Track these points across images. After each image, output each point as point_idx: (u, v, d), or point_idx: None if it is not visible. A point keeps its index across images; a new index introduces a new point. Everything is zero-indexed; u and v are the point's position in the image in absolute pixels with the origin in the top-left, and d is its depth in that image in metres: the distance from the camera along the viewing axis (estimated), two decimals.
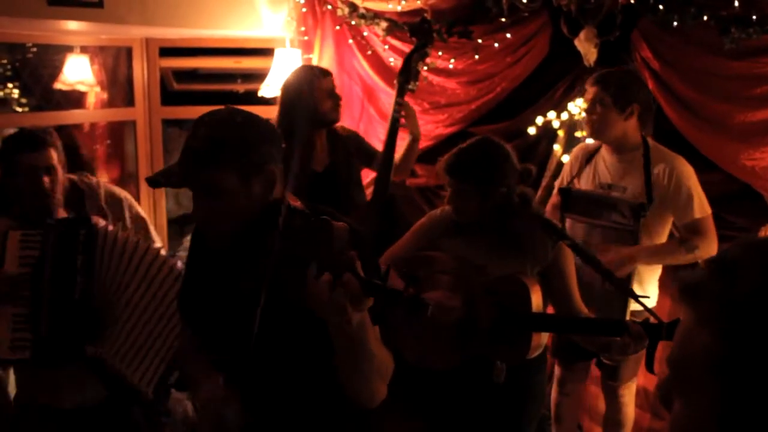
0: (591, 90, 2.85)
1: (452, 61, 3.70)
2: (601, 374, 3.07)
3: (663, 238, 2.85)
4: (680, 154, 3.07)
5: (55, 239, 2.35)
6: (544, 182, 3.57)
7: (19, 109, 4.73)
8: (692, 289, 0.71)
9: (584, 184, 2.95)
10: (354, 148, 3.25)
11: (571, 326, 2.37)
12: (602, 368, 3.03)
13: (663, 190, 2.74)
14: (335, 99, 3.15)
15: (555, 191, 3.11)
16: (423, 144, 3.69)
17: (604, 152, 2.93)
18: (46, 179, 2.39)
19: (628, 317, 2.65)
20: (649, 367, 2.12)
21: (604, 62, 3.31)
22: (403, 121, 3.13)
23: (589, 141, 3.09)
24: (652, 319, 2.15)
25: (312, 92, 3.07)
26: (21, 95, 4.73)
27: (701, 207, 2.75)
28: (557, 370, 3.15)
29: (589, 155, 2.98)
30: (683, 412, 0.71)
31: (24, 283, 2.33)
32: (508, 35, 3.54)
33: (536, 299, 2.26)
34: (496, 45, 3.58)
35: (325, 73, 3.19)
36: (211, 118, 1.57)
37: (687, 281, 0.73)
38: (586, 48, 3.36)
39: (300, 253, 1.36)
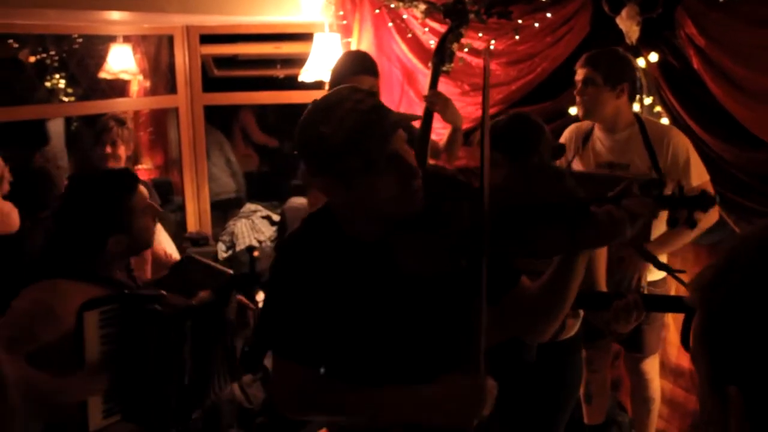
0: (581, 71, 2.93)
1: (492, 42, 3.71)
2: (623, 350, 3.14)
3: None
4: (726, 132, 3.08)
5: (157, 330, 2.09)
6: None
7: (66, 99, 4.89)
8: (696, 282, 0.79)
9: (584, 165, 3.00)
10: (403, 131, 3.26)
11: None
12: (623, 342, 3.08)
13: (663, 161, 2.84)
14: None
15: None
16: (464, 126, 3.72)
17: (599, 132, 3.02)
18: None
19: (645, 290, 2.75)
20: (685, 344, 2.12)
21: (647, 40, 3.30)
22: (437, 114, 3.12)
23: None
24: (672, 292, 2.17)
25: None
26: (67, 85, 4.88)
27: (699, 174, 2.85)
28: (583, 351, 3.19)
29: (585, 137, 3.05)
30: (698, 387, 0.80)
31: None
32: (549, 15, 3.52)
33: None
34: (536, 25, 3.57)
35: (366, 69, 3.11)
36: None
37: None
38: (628, 26, 3.34)
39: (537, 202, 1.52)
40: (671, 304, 2.45)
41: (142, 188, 2.20)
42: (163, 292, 2.12)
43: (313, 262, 1.59)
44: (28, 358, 1.97)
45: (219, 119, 5.29)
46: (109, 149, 3.48)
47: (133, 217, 2.12)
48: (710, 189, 2.82)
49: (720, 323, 0.73)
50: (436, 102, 3.10)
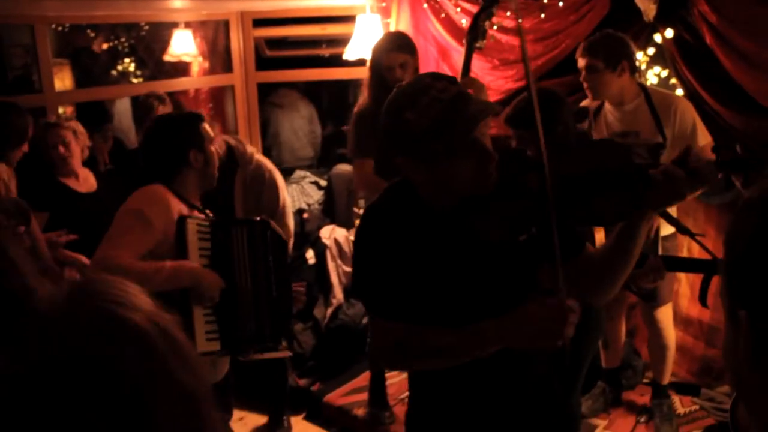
0: (582, 60, 3.12)
1: (520, 20, 3.92)
2: (638, 300, 3.30)
3: None
4: (737, 104, 3.28)
5: (244, 236, 2.46)
6: None
7: (135, 80, 5.26)
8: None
9: (598, 136, 3.20)
10: None
11: None
12: (638, 293, 3.19)
13: (671, 128, 3.04)
14: (403, 71, 3.24)
15: None
16: (494, 98, 3.98)
17: (608, 106, 3.22)
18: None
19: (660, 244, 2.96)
20: (702, 301, 2.36)
21: (663, 18, 3.49)
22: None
23: None
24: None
25: (381, 61, 3.27)
26: (136, 68, 5.24)
27: (704, 135, 3.07)
28: None
29: (595, 112, 3.26)
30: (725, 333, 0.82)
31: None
32: None
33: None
34: (561, 4, 3.76)
35: (400, 47, 3.29)
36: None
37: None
38: (646, 5, 3.49)
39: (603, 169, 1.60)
40: (689, 264, 2.71)
41: (208, 126, 2.54)
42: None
43: (395, 228, 1.66)
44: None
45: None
46: None
47: (204, 140, 2.45)
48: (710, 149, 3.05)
49: (735, 252, 0.76)
50: (470, 86, 3.23)
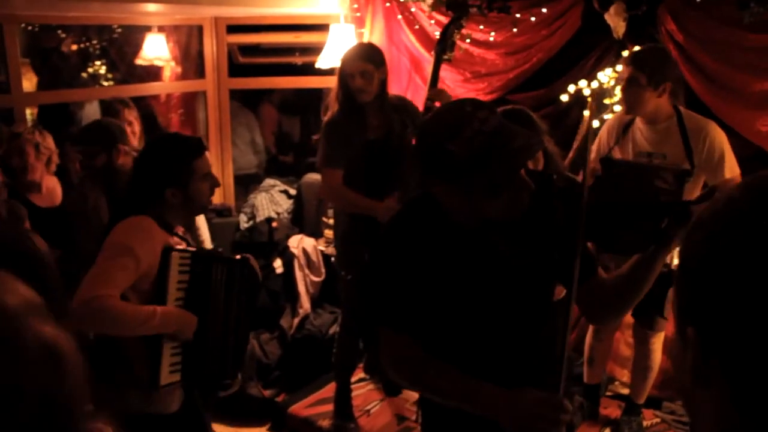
0: (626, 69, 3.01)
1: (492, 33, 3.96)
2: (635, 322, 3.30)
3: None
4: None
5: (223, 276, 2.35)
6: (575, 144, 3.85)
7: (106, 83, 5.21)
8: None
9: (623, 153, 3.15)
10: (409, 119, 3.40)
11: None
12: (638, 317, 3.25)
13: (699, 154, 2.95)
14: (364, 80, 3.24)
15: (592, 157, 3.25)
16: None
17: (639, 123, 3.12)
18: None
19: None
20: (660, 312, 2.36)
21: (632, 35, 3.55)
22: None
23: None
24: None
25: (345, 68, 3.27)
26: (107, 71, 5.20)
27: (731, 168, 2.96)
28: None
29: (625, 126, 3.16)
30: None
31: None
32: (544, 10, 3.77)
33: None
34: (533, 19, 3.82)
35: (364, 57, 3.27)
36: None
37: None
38: (616, 22, 3.57)
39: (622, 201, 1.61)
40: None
41: (208, 156, 2.37)
42: (220, 249, 2.39)
43: (418, 242, 1.67)
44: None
45: (253, 102, 5.57)
46: (127, 128, 3.73)
47: (191, 178, 2.28)
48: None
49: (686, 270, 0.76)
50: (438, 98, 3.28)
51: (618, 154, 3.19)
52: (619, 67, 3.66)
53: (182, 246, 2.33)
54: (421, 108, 3.42)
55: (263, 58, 5.16)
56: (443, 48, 3.45)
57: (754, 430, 0.68)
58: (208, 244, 3.69)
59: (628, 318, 3.39)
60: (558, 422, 1.50)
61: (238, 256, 2.47)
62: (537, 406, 1.52)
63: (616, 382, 3.78)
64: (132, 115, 3.78)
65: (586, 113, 3.86)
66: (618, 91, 3.58)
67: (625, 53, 3.60)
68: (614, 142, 3.20)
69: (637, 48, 3.50)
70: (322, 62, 4.24)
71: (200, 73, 4.66)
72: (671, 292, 2.28)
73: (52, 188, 3.39)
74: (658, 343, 3.28)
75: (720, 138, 2.98)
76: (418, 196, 1.78)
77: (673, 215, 1.58)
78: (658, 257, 1.63)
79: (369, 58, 3.28)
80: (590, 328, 3.45)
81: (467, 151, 1.53)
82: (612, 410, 3.53)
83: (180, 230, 2.41)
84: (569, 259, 1.58)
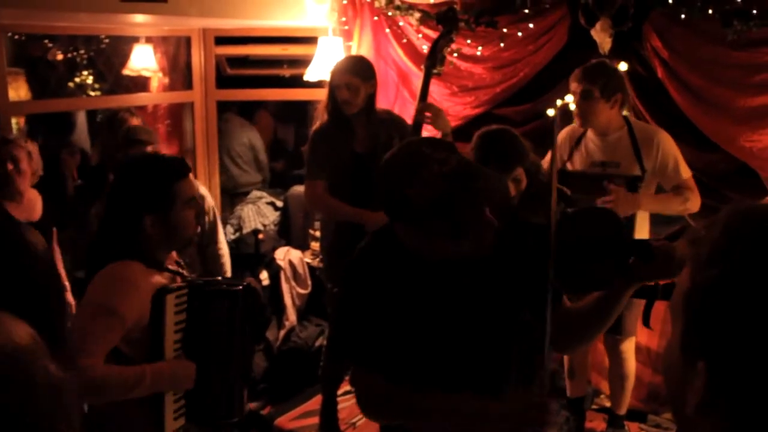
0: (578, 85, 3.12)
1: (479, 48, 3.98)
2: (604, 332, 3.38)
3: None
4: (686, 136, 3.38)
5: (224, 309, 2.14)
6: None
7: (93, 94, 5.19)
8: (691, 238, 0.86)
9: (577, 164, 3.25)
10: (397, 133, 3.41)
11: None
12: None
13: (652, 161, 3.09)
14: (350, 93, 3.27)
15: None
16: (453, 124, 4.00)
17: (591, 135, 3.25)
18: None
19: None
20: (645, 322, 2.40)
21: (618, 51, 3.60)
22: (429, 122, 3.28)
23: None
24: None
25: (333, 80, 3.31)
26: (94, 81, 5.18)
27: (685, 169, 3.13)
28: None
29: (577, 139, 3.29)
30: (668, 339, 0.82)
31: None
32: (531, 25, 3.79)
33: None
34: (520, 34, 3.84)
35: (352, 70, 3.31)
36: None
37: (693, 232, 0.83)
38: (602, 37, 3.59)
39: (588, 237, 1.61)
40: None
41: (192, 180, 2.15)
42: (219, 278, 2.22)
43: (381, 276, 1.64)
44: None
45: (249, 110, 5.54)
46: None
47: (172, 203, 2.04)
48: (693, 182, 3.14)
49: (697, 313, 0.74)
50: (428, 110, 3.29)
51: (571, 166, 3.27)
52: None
53: (177, 282, 2.11)
54: (409, 122, 3.43)
55: (251, 70, 5.17)
56: (433, 62, 3.46)
57: None
58: (227, 260, 3.54)
59: None
60: (545, 424, 1.52)
61: (239, 286, 2.21)
62: (523, 411, 1.52)
63: (602, 395, 3.80)
64: (137, 123, 3.80)
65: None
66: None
67: None
68: (567, 156, 3.29)
69: (623, 64, 3.58)
70: (310, 75, 4.25)
71: (188, 84, 4.65)
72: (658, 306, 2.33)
73: (33, 200, 3.31)
74: (629, 350, 3.32)
75: (670, 144, 3.14)
76: (384, 227, 1.74)
77: (637, 253, 1.58)
78: (623, 293, 1.64)
79: (356, 71, 3.31)
80: None
81: (426, 196, 1.49)
82: (597, 423, 3.55)
83: (172, 262, 2.20)
84: (539, 292, 1.56)
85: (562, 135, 3.38)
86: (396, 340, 1.62)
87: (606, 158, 3.18)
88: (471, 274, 1.63)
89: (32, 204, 3.30)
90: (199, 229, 2.35)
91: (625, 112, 3.44)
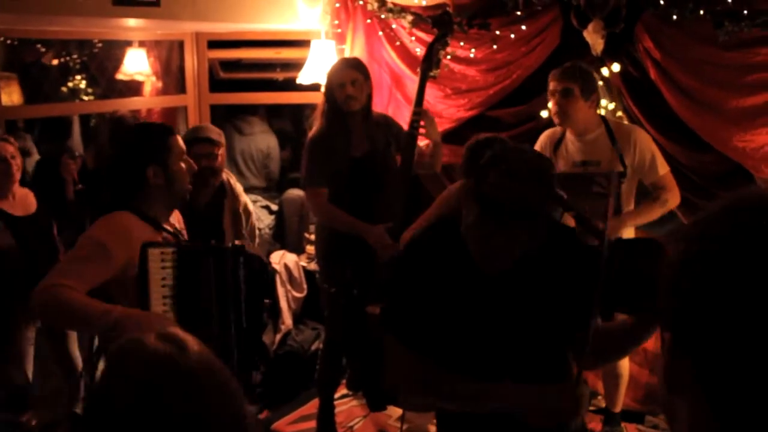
0: (559, 84, 3.19)
1: (472, 50, 3.99)
2: None
3: (632, 199, 3.27)
4: (679, 136, 3.40)
5: (212, 266, 2.21)
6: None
7: (86, 98, 5.18)
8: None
9: (561, 166, 3.29)
10: (393, 137, 3.44)
11: None
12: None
13: (631, 158, 3.18)
14: (355, 88, 3.28)
15: None
16: (446, 126, 4.04)
17: (570, 136, 3.32)
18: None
19: None
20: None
21: (610, 52, 3.61)
22: (422, 131, 3.30)
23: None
24: None
25: (334, 79, 3.30)
26: (87, 85, 5.16)
27: (662, 164, 3.22)
28: None
29: (557, 142, 3.36)
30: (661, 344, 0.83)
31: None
32: (523, 27, 3.81)
33: None
34: (512, 36, 3.85)
35: (352, 65, 3.35)
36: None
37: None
38: (594, 39, 3.61)
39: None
40: None
41: (179, 139, 2.30)
42: (213, 241, 2.28)
43: (438, 265, 1.73)
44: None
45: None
46: None
47: (169, 154, 2.21)
48: (671, 177, 3.23)
49: (665, 278, 0.77)
50: (422, 118, 3.30)
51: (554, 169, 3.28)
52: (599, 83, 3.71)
53: (169, 242, 2.21)
54: (405, 126, 3.43)
55: (244, 74, 5.17)
56: (429, 65, 3.47)
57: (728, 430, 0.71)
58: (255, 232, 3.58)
59: None
60: (577, 411, 1.60)
61: (230, 244, 2.33)
62: (556, 398, 1.61)
63: (599, 396, 3.80)
64: None
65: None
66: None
67: (604, 70, 3.65)
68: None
69: (615, 65, 3.60)
70: (304, 78, 4.25)
71: (181, 88, 4.64)
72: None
73: (24, 196, 3.38)
74: None
75: (647, 140, 3.23)
76: (446, 218, 1.82)
77: None
78: (655, 328, 1.67)
79: (357, 67, 3.35)
80: None
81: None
82: (595, 425, 3.55)
83: (171, 225, 2.32)
84: (585, 300, 1.62)
85: (542, 139, 3.44)
86: (442, 326, 1.70)
87: (586, 158, 3.26)
88: (522, 273, 1.70)
89: (25, 199, 3.37)
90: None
91: (603, 112, 3.51)
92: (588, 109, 3.21)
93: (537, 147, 3.43)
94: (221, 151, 3.28)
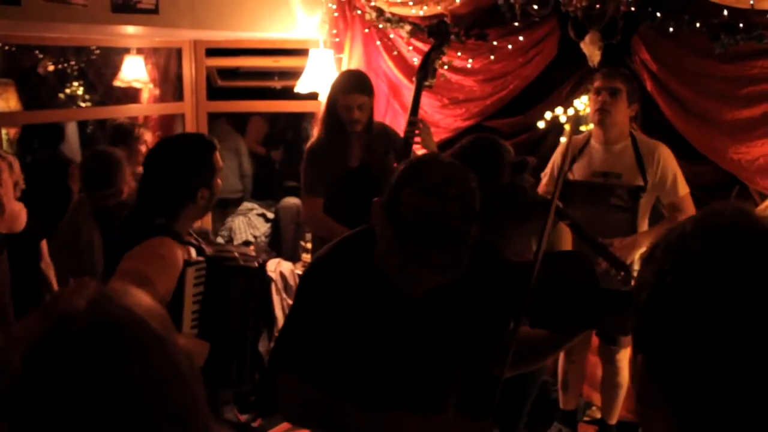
0: (608, 82, 3.15)
1: (470, 60, 4.00)
2: (599, 341, 3.37)
3: (647, 216, 3.23)
4: (675, 148, 3.40)
5: (240, 284, 2.23)
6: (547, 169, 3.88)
7: (83, 105, 5.18)
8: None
9: (578, 174, 3.26)
10: (391, 146, 3.43)
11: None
12: (602, 336, 3.32)
13: (653, 175, 3.14)
14: (361, 112, 3.28)
15: (543, 181, 3.43)
16: (443, 136, 4.04)
17: (595, 144, 3.28)
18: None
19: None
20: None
21: (607, 64, 3.62)
22: (418, 140, 3.28)
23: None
24: None
25: (339, 100, 3.30)
26: (85, 92, 5.17)
27: (683, 186, 3.17)
28: None
29: (580, 148, 3.30)
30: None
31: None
32: (521, 38, 3.82)
33: None
34: (510, 47, 3.86)
35: (360, 88, 3.32)
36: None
37: None
38: (591, 50, 3.61)
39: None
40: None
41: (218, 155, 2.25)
42: (236, 253, 2.28)
43: (341, 287, 1.57)
44: None
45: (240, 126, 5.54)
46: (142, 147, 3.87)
47: (214, 174, 2.17)
48: (690, 199, 3.19)
49: (637, 301, 0.80)
50: (417, 127, 3.28)
51: (573, 175, 3.29)
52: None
53: (199, 258, 2.19)
54: (401, 135, 3.42)
55: (242, 82, 5.19)
56: (425, 75, 3.46)
57: None
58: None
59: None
60: None
61: (255, 263, 2.31)
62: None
63: (593, 407, 3.79)
64: (147, 135, 3.87)
65: (563, 140, 3.91)
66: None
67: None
68: (570, 164, 3.30)
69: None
70: (301, 87, 4.24)
71: (179, 95, 4.64)
72: None
73: (16, 213, 3.27)
74: (625, 359, 3.32)
75: (670, 159, 3.18)
76: (351, 235, 1.70)
77: (614, 307, 1.57)
78: (576, 336, 1.67)
79: (363, 89, 3.32)
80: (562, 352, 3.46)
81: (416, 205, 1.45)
82: None
83: (191, 235, 2.28)
84: (501, 325, 1.60)
85: (564, 144, 3.37)
86: (341, 355, 1.56)
87: (608, 168, 3.21)
88: (433, 301, 1.57)
89: (15, 216, 3.25)
90: None
91: None
92: (626, 116, 3.19)
93: (558, 152, 3.43)
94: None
